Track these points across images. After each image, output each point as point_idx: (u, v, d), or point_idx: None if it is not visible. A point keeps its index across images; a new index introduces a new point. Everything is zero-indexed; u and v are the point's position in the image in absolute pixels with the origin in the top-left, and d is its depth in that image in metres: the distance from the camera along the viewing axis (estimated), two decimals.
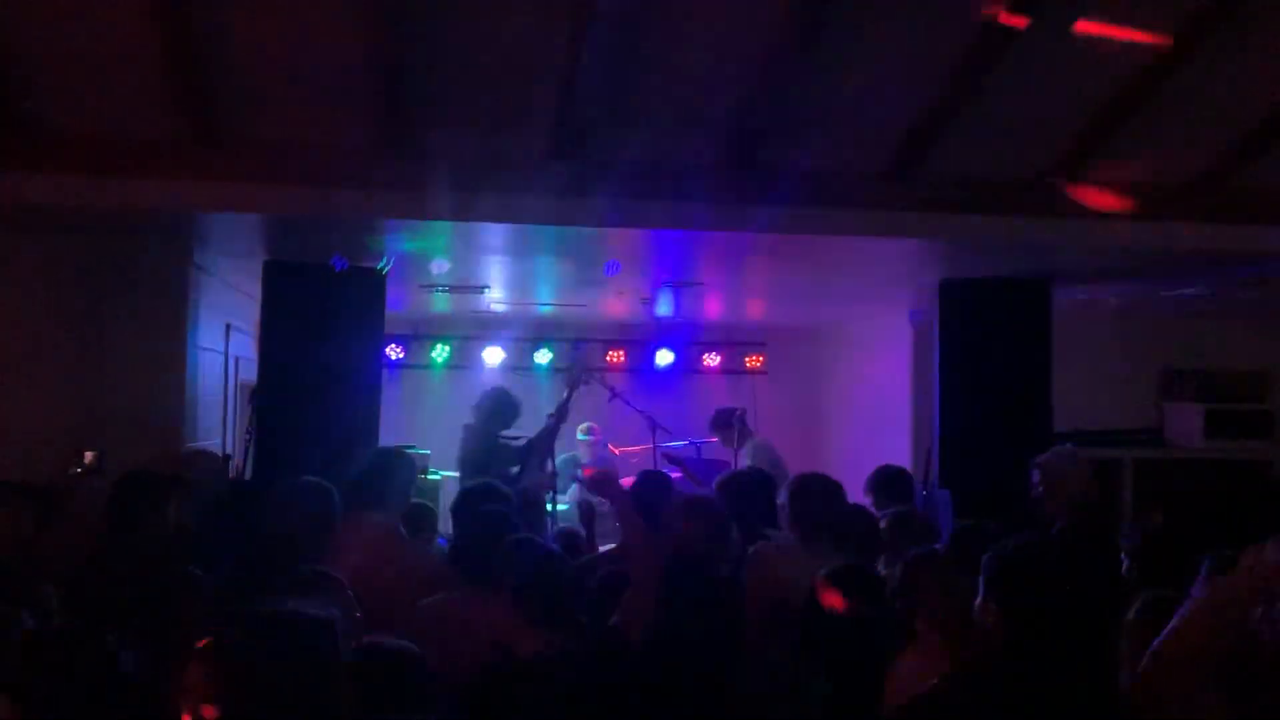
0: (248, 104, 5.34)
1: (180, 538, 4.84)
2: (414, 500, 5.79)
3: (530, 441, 7.42)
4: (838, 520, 4.94)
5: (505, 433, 7.52)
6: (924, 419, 8.59)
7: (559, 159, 5.68)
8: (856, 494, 6.39)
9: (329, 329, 6.99)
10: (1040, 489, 5.65)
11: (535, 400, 9.92)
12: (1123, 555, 4.61)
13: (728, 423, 8.70)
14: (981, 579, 2.79)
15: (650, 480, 5.84)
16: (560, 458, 8.51)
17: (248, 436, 7.15)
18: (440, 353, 10.83)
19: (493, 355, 10.87)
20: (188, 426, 6.87)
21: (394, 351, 10.43)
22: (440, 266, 7.54)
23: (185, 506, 5.16)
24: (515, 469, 7.20)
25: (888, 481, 5.95)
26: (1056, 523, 5.39)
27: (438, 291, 8.50)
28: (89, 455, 6.17)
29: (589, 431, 9.75)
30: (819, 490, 5.05)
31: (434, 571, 4.83)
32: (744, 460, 8.34)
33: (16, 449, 6.10)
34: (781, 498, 5.17)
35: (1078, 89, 5.61)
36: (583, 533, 6.11)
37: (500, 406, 7.56)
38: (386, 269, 7.17)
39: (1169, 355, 9.75)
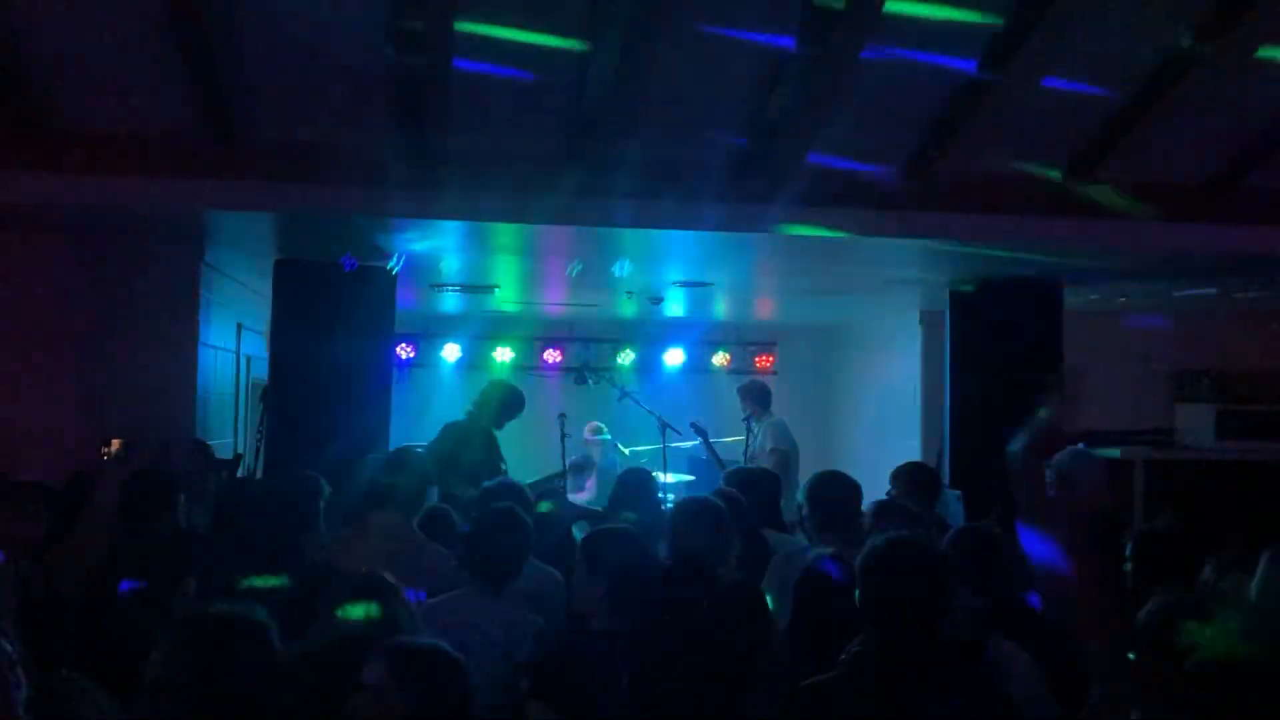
0: (260, 103, 5.35)
1: (192, 542, 4.82)
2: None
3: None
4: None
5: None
6: (934, 419, 8.58)
7: (570, 159, 5.68)
8: (867, 492, 6.36)
9: (340, 328, 7.00)
10: (1054, 491, 5.59)
11: (544, 399, 9.95)
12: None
13: (760, 394, 8.79)
14: None
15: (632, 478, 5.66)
16: (570, 460, 8.47)
17: (259, 435, 7.17)
18: (450, 352, 10.84)
19: (503, 354, 10.89)
20: (198, 425, 6.89)
21: (404, 351, 10.44)
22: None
23: (195, 508, 5.15)
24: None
25: (923, 482, 5.92)
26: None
27: (448, 291, 8.51)
28: (116, 443, 6.16)
29: (597, 431, 9.73)
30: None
31: (447, 571, 4.81)
32: (758, 434, 8.48)
33: (24, 446, 6.12)
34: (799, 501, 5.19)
35: (1091, 90, 5.59)
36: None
37: (506, 400, 7.29)
38: (396, 269, 7.18)
39: (1180, 356, 9.72)
